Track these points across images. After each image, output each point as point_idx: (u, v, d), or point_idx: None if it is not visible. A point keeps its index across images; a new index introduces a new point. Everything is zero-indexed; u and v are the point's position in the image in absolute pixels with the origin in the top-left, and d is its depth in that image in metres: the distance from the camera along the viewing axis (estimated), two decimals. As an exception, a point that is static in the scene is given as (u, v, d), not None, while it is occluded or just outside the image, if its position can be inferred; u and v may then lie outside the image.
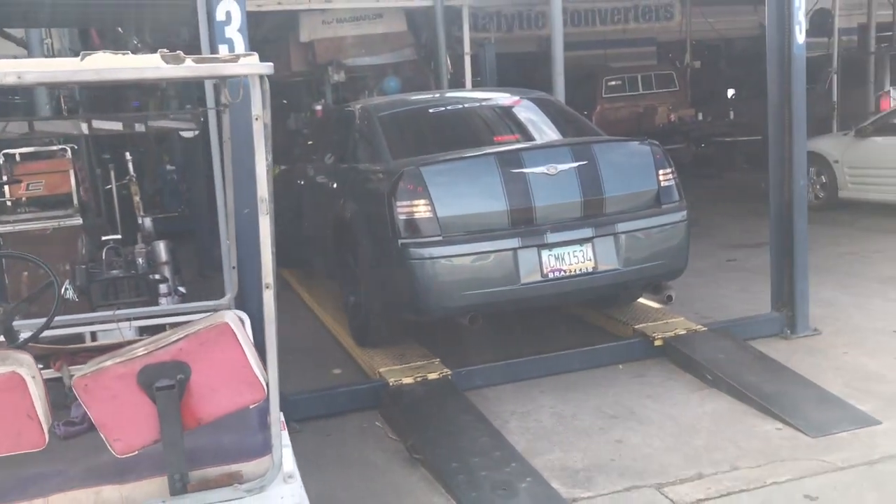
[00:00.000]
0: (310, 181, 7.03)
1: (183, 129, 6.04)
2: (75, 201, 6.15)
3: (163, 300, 4.68)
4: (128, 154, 6.44)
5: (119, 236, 5.14)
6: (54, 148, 6.10)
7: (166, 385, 2.31)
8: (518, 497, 3.75)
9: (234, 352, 2.37)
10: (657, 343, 5.45)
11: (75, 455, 2.49)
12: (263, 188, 2.36)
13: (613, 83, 15.81)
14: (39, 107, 7.09)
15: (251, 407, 2.56)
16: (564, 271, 5.10)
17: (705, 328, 5.61)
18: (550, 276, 5.06)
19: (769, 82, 5.79)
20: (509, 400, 4.96)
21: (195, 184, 9.33)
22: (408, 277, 4.96)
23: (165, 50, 2.13)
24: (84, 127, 5.18)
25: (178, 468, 2.39)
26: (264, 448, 2.55)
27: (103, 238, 4.94)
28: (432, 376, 4.99)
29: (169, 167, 11.54)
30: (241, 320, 3.03)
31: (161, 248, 4.86)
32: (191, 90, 8.52)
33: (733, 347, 5.32)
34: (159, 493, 2.43)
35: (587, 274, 5.15)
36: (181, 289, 4.83)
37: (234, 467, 2.51)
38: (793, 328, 5.78)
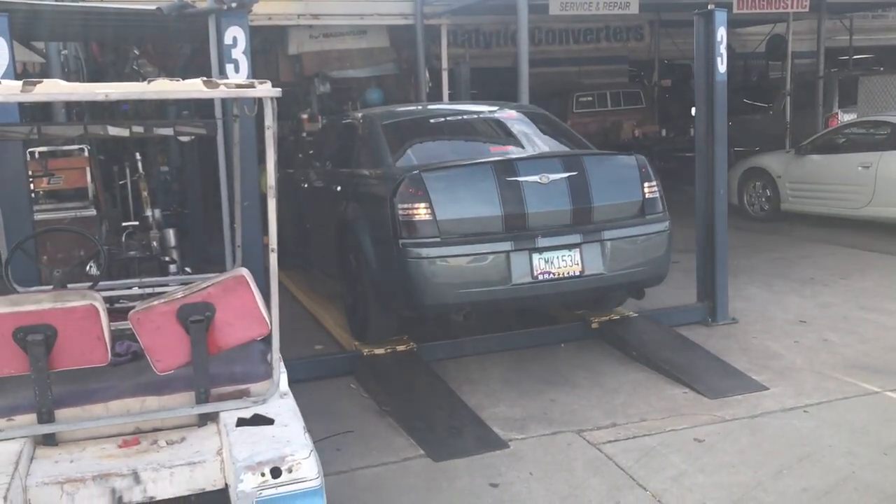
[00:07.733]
0: (311, 185, 7.27)
1: (189, 134, 6.79)
2: (90, 194, 6.95)
3: (172, 278, 5.50)
4: (138, 155, 7.24)
5: (137, 223, 5.96)
6: (73, 147, 6.86)
7: (197, 319, 3.14)
8: (463, 437, 4.63)
9: (247, 296, 3.21)
10: (594, 326, 6.33)
11: (126, 374, 3.31)
12: (272, 178, 3.21)
13: (584, 99, 16.69)
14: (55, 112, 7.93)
15: (256, 343, 3.41)
16: (553, 274, 5.40)
17: (636, 314, 6.50)
18: (540, 278, 5.37)
19: (696, 104, 6.72)
20: (466, 369, 5.82)
21: (191, 183, 10.08)
22: (406, 276, 5.27)
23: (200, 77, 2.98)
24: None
25: (203, 384, 3.22)
26: (266, 374, 3.39)
27: (123, 224, 5.76)
28: (401, 348, 5.84)
29: (163, 168, 12.28)
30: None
31: (171, 234, 5.68)
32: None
33: (656, 330, 6.23)
34: (188, 404, 3.27)
35: (574, 277, 5.45)
36: (187, 269, 5.64)
37: (242, 386, 3.35)
38: (713, 317, 6.69)
